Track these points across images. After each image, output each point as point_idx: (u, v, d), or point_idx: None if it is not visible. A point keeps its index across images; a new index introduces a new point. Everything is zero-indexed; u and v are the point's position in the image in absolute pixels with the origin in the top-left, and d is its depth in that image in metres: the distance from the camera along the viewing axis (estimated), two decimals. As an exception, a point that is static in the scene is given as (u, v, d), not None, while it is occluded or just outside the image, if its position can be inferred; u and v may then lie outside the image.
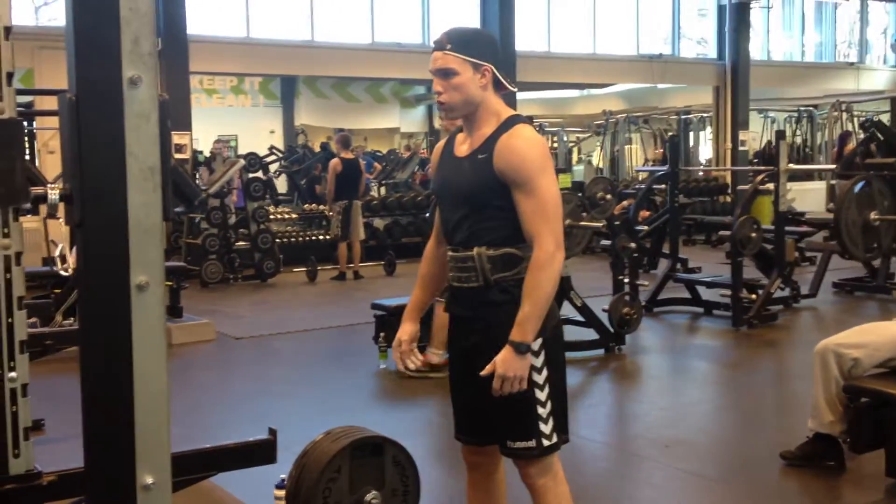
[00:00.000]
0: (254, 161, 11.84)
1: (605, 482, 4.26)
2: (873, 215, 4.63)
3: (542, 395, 2.56)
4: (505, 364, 2.46)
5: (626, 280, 7.09)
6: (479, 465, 2.81)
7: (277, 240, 11.57)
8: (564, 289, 7.00)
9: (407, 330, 2.81)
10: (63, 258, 5.64)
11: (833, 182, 15.12)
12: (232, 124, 19.33)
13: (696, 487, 4.16)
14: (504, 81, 2.57)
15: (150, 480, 1.52)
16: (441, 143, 2.78)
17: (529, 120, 2.68)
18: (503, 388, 2.48)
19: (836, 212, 4.60)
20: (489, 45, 2.59)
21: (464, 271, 2.61)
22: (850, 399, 3.94)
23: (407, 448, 3.03)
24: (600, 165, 18.77)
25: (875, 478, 3.96)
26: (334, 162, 10.99)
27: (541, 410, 2.55)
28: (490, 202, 2.54)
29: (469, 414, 2.73)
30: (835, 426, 4.02)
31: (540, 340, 2.55)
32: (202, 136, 14.94)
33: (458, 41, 2.52)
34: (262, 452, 3.01)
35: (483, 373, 2.50)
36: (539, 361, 2.56)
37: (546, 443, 2.56)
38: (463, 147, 2.63)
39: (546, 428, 2.56)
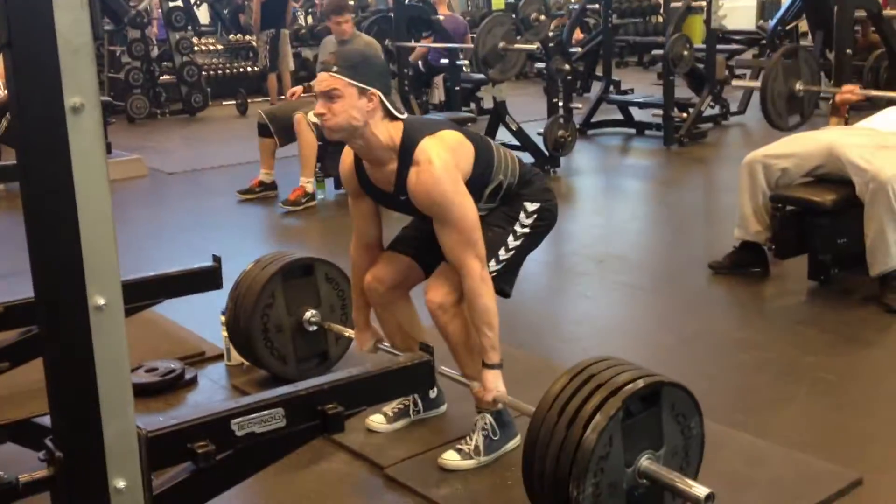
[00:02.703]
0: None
1: (543, 296, 4.41)
2: (798, 86, 4.73)
3: (513, 242, 2.68)
4: (492, 385, 2.57)
5: (561, 103, 7.10)
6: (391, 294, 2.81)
7: (204, 73, 11.25)
8: (500, 114, 7.00)
9: (367, 339, 2.91)
10: None
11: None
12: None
13: (630, 297, 4.34)
14: (392, 110, 2.48)
15: (101, 301, 1.54)
16: (349, 163, 2.66)
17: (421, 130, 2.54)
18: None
19: (764, 82, 4.71)
20: (379, 72, 2.50)
21: None
22: (775, 207, 4.08)
23: (341, 267, 3.08)
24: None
25: (798, 281, 4.17)
26: (259, -11, 10.59)
27: (502, 252, 2.66)
28: None
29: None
30: (760, 234, 4.17)
31: (538, 205, 2.70)
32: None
33: (345, 64, 2.42)
34: (207, 278, 3.03)
35: (483, 400, 2.60)
36: (528, 221, 2.69)
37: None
38: (380, 180, 2.59)
39: (496, 266, 2.64)
